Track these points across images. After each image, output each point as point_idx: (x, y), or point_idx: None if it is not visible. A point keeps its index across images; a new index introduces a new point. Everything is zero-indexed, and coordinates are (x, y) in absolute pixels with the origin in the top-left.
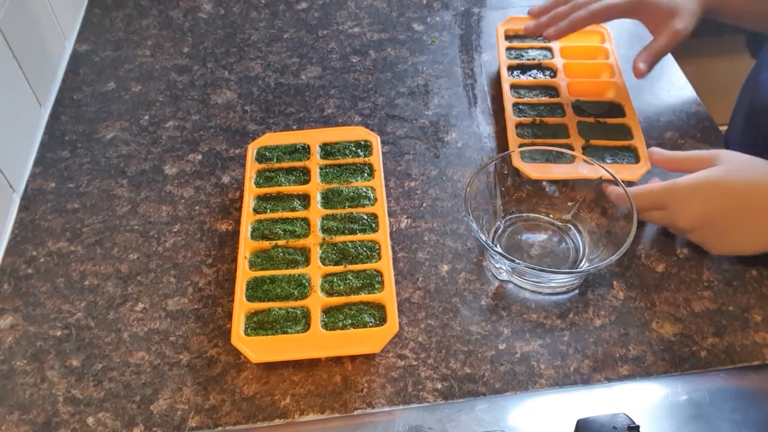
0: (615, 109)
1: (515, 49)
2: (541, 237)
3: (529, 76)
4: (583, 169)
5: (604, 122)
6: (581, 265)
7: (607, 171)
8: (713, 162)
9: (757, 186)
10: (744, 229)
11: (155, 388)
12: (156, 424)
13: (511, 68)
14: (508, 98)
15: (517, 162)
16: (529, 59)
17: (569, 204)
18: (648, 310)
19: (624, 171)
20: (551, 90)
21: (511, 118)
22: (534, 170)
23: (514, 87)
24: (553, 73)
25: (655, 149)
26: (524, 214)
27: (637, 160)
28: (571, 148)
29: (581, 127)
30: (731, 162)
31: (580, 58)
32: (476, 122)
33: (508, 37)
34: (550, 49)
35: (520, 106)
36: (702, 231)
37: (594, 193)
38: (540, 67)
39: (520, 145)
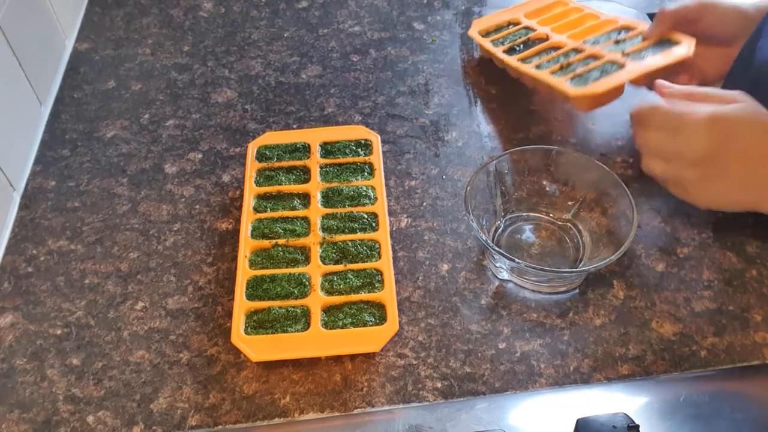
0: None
1: (498, 39)
2: (541, 236)
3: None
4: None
5: (623, 40)
6: (581, 264)
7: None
8: (735, 100)
9: None
10: (752, 177)
11: (155, 386)
12: (156, 422)
13: (506, 52)
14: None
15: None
16: (516, 38)
17: (569, 203)
18: (648, 309)
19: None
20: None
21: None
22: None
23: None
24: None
25: (663, 82)
26: (524, 214)
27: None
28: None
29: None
30: (755, 103)
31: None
32: (476, 121)
33: (487, 35)
34: (529, 27)
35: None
36: (706, 168)
37: (594, 192)
38: (531, 42)
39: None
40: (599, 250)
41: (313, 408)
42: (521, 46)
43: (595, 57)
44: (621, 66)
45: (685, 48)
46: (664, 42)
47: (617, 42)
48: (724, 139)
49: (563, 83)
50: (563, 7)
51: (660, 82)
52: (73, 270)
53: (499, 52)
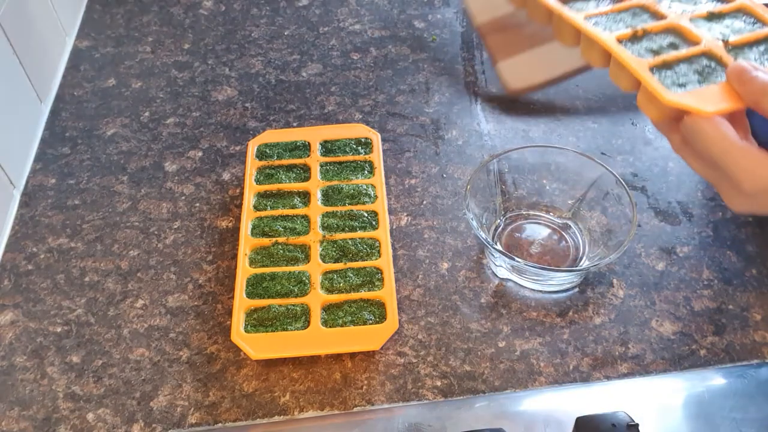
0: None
1: None
2: (541, 235)
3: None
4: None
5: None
6: (581, 263)
7: None
8: None
9: None
10: None
11: (155, 384)
12: (156, 420)
13: None
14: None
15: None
16: None
17: (569, 202)
18: (648, 308)
19: None
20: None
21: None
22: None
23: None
24: None
25: (744, 63)
26: (524, 212)
27: None
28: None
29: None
30: None
31: None
32: (477, 120)
33: None
34: None
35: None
36: (754, 202)
37: (594, 191)
38: None
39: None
40: (599, 248)
41: (312, 406)
42: None
43: (682, 35)
44: (724, 67)
45: None
46: None
47: (711, 15)
48: None
49: (649, 74)
50: None
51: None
52: (73, 268)
53: None
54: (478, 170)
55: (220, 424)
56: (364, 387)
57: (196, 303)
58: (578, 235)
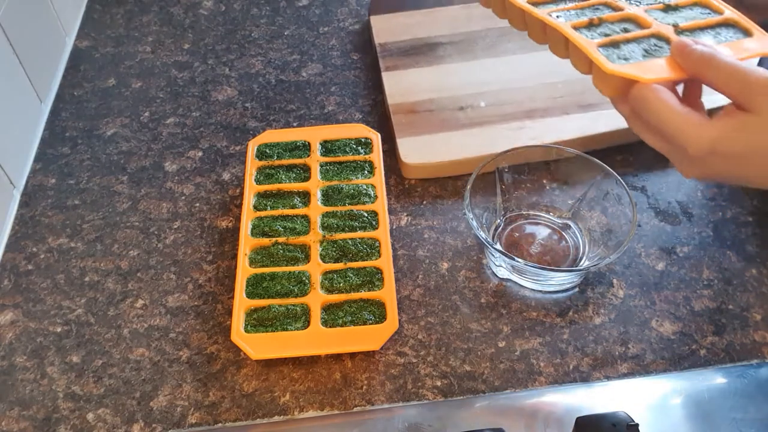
0: None
1: None
2: (541, 235)
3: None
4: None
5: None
6: (581, 263)
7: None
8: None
9: None
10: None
11: (155, 384)
12: (156, 420)
13: None
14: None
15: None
16: None
17: (569, 202)
18: (648, 308)
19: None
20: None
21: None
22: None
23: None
24: None
25: (687, 40)
26: (524, 212)
27: (745, 33)
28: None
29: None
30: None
31: None
32: None
33: None
34: None
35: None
36: (701, 167)
37: (594, 191)
38: None
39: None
40: (599, 248)
41: (312, 406)
42: None
43: (637, 22)
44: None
45: (759, 44)
46: (730, 26)
47: (667, 7)
48: (724, 167)
49: (595, 49)
50: None
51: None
52: (73, 268)
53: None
54: (478, 170)
55: (220, 424)
56: (364, 387)
57: (196, 303)
58: (578, 235)
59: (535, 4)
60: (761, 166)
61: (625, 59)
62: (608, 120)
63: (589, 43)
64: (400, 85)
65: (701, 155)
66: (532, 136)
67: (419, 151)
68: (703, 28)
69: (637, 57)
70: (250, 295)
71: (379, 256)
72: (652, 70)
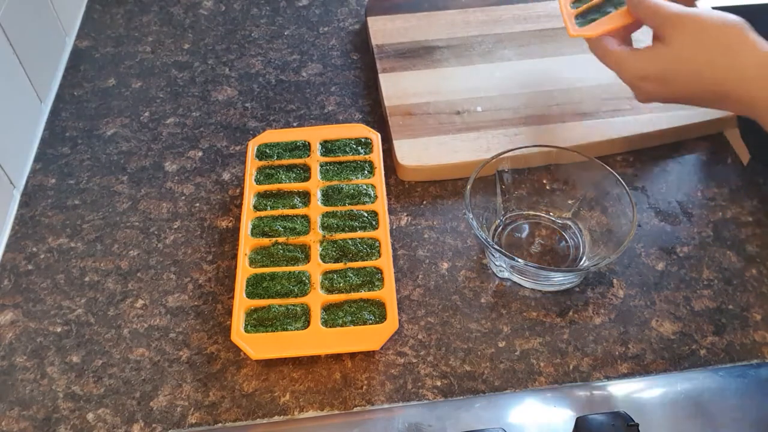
0: None
1: None
2: (541, 235)
3: None
4: None
5: None
6: (581, 263)
7: None
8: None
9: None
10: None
11: (155, 384)
12: (156, 420)
13: None
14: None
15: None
16: None
17: (569, 202)
18: (648, 308)
19: None
20: None
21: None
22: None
23: None
24: None
25: None
26: (524, 212)
27: None
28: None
29: None
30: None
31: None
32: None
33: None
34: None
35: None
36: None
37: (594, 191)
38: None
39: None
40: (599, 248)
41: (312, 406)
42: None
43: None
44: (619, 4)
45: None
46: None
47: None
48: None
49: (572, 21)
50: None
51: None
52: (73, 268)
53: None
54: (478, 170)
55: (220, 424)
56: (364, 387)
57: (196, 303)
58: (578, 235)
59: None
60: (683, 88)
61: (592, 20)
62: (605, 129)
63: (569, 14)
64: (397, 87)
65: (636, 82)
66: (529, 143)
67: (416, 153)
68: None
69: (597, 17)
70: (250, 295)
71: (379, 256)
72: (598, 27)
